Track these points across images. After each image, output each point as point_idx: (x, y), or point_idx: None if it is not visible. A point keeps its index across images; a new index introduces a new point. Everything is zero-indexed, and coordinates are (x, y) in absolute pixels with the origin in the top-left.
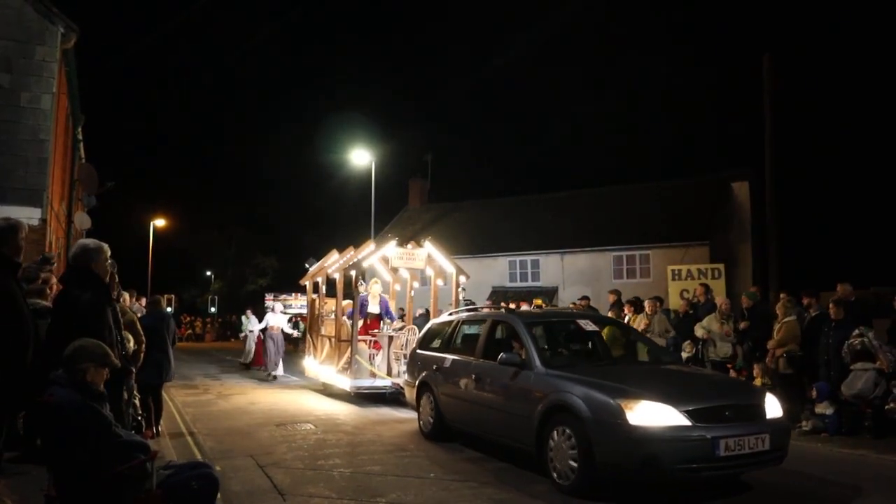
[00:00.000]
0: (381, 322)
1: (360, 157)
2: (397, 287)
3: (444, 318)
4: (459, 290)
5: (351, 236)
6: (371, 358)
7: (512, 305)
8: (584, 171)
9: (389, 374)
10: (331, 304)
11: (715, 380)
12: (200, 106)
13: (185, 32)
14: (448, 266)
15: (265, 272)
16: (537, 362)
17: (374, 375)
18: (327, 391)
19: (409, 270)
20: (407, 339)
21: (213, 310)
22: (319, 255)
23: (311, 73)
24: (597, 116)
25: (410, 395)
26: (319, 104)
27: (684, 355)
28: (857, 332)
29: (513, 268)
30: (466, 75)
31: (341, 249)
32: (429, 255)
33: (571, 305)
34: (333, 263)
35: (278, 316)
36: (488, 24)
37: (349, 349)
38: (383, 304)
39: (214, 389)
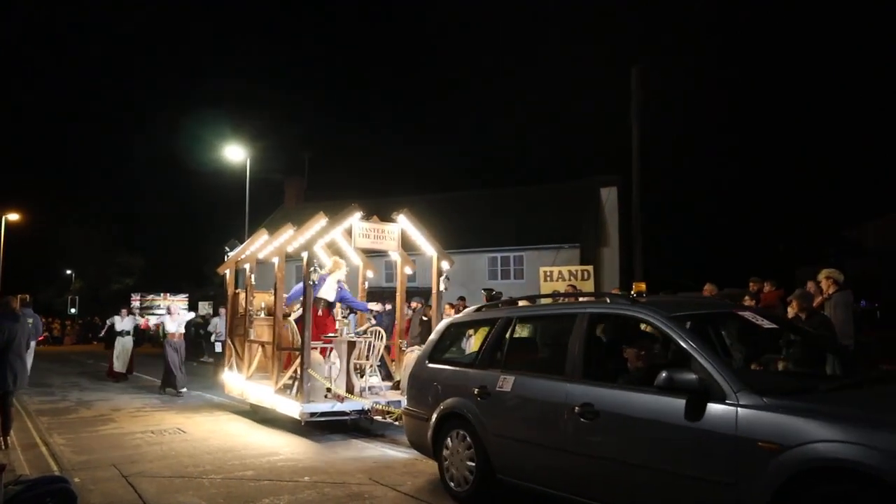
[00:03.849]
0: (336, 320)
1: (235, 154)
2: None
3: (467, 314)
4: (442, 279)
5: (223, 236)
6: (329, 372)
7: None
8: (460, 174)
9: (350, 392)
10: (261, 298)
11: None
12: (62, 93)
13: (49, 11)
14: (428, 248)
15: (131, 271)
16: (736, 388)
17: (339, 398)
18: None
19: (361, 256)
20: (371, 345)
21: (73, 311)
22: (201, 254)
23: (183, 64)
24: (470, 122)
25: (418, 430)
26: (192, 96)
27: None
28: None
29: (389, 268)
30: (345, 76)
31: (217, 248)
32: (402, 234)
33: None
34: (266, 246)
35: (179, 317)
36: (365, 29)
37: (297, 360)
38: (341, 292)
39: (74, 396)
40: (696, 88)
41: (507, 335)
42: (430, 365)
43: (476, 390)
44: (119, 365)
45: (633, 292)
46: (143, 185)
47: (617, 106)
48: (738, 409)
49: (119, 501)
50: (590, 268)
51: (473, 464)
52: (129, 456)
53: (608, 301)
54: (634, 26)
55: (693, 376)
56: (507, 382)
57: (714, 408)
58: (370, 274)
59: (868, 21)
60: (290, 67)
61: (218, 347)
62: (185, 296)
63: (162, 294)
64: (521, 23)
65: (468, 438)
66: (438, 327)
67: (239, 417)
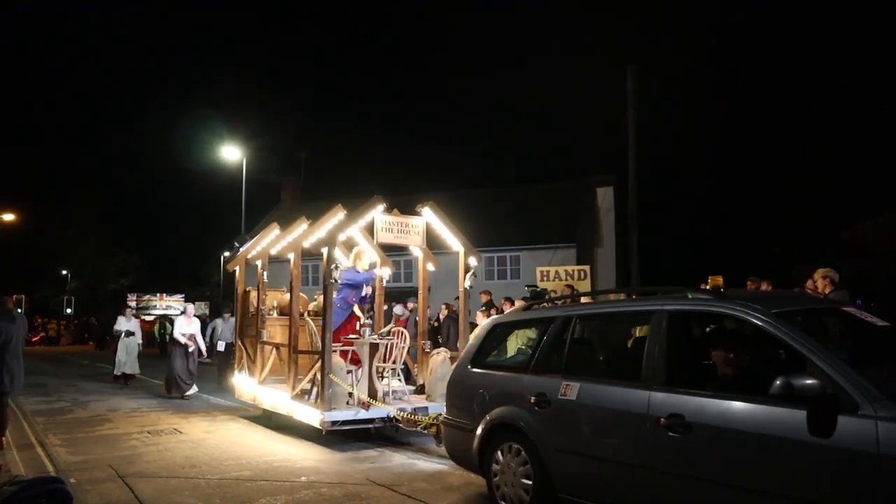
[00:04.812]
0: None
1: (231, 154)
2: None
3: (513, 313)
4: (469, 275)
5: (219, 236)
6: (351, 376)
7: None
8: (456, 174)
9: (373, 397)
10: (273, 297)
11: None
12: (58, 92)
13: (47, 10)
14: (455, 242)
15: (127, 271)
16: (871, 397)
17: (364, 405)
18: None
19: (380, 253)
20: (395, 347)
21: (69, 311)
22: (197, 254)
23: (180, 64)
24: (467, 122)
25: (460, 443)
26: (190, 96)
27: None
28: None
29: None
30: (341, 77)
31: (214, 249)
32: (427, 228)
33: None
34: (278, 241)
35: (191, 321)
36: (362, 29)
37: (317, 364)
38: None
39: (70, 396)
40: (692, 89)
41: (568, 336)
42: (474, 370)
43: (533, 398)
44: (127, 367)
45: (708, 286)
46: (140, 185)
47: (613, 105)
48: (878, 422)
49: (115, 502)
50: (586, 267)
51: (530, 482)
52: (125, 456)
53: (689, 297)
54: (633, 25)
55: (816, 383)
56: (570, 390)
57: (845, 421)
58: (387, 272)
59: (864, 23)
60: (287, 68)
61: (220, 347)
62: (181, 296)
63: (158, 294)
64: (518, 22)
65: (523, 453)
66: (479, 329)
67: (236, 418)
